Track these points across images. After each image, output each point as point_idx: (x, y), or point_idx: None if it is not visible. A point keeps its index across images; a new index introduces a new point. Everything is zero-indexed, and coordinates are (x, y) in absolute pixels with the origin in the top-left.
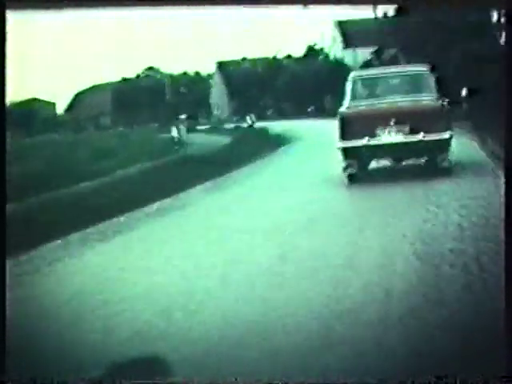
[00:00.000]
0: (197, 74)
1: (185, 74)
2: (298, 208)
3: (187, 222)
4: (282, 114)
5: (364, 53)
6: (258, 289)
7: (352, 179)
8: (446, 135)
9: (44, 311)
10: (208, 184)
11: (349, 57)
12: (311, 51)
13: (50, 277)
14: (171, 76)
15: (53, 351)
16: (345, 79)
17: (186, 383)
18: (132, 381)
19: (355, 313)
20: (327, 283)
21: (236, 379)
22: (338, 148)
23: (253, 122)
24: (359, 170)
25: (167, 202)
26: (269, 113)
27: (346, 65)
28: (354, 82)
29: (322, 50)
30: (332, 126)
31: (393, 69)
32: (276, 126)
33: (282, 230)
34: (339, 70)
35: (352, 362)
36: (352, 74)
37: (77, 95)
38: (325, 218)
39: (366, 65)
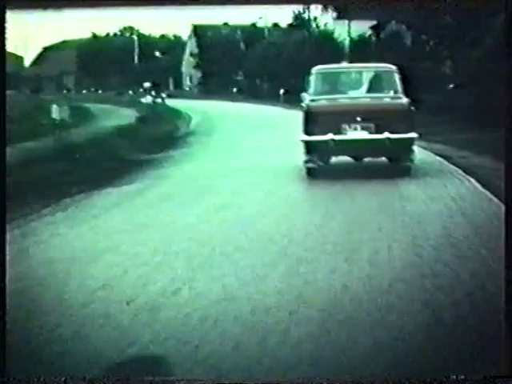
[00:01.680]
0: (175, 37)
1: (163, 36)
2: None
3: None
4: (251, 95)
5: (359, 27)
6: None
7: (311, 173)
8: (411, 135)
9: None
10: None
11: (341, 30)
12: (298, 20)
13: None
14: (146, 37)
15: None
16: (333, 56)
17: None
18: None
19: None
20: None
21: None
22: (302, 141)
23: (155, 99)
24: (320, 164)
25: None
26: (234, 91)
27: (335, 39)
28: (317, 76)
29: (309, 19)
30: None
31: (358, 65)
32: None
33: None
34: (327, 45)
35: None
36: (315, 69)
37: (44, 50)
38: (282, 209)
39: (363, 41)
